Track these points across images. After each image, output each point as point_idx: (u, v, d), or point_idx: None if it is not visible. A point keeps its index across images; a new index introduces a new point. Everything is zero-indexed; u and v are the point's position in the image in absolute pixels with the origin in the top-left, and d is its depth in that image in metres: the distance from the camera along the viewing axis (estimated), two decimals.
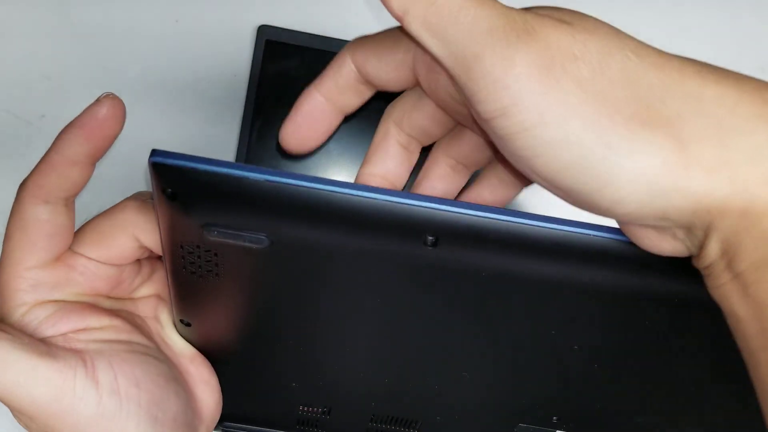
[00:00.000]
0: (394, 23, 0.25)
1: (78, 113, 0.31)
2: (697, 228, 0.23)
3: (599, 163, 0.22)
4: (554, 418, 0.36)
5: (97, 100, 0.29)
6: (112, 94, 0.29)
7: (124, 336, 0.32)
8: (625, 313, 0.30)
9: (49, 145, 0.31)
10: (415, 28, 0.23)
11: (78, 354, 0.30)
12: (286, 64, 0.48)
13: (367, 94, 0.30)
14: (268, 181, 0.25)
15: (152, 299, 0.34)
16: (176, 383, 0.32)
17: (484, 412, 0.37)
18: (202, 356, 0.35)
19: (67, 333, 0.31)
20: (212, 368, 0.35)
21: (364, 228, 0.26)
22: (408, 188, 0.32)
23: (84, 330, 0.31)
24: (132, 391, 0.30)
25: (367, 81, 0.29)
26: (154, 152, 0.25)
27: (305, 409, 0.38)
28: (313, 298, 0.31)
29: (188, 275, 0.30)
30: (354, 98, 0.30)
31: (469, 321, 0.31)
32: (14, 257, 0.30)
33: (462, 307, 0.30)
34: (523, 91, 0.22)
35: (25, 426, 0.30)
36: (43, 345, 0.29)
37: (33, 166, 0.31)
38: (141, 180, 0.50)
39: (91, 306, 0.31)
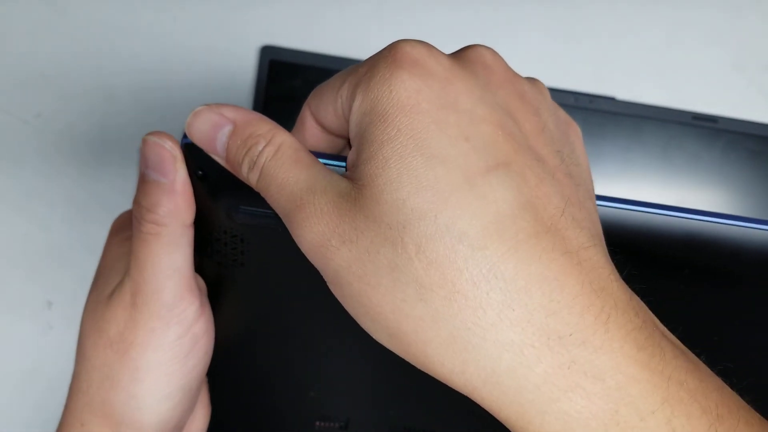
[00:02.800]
0: (399, 38, 0.25)
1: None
2: None
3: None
4: None
5: None
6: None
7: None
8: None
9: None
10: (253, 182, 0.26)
11: (202, 293, 0.31)
12: (290, 84, 0.48)
13: (338, 143, 0.30)
14: None
15: None
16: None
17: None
18: (205, 379, 0.35)
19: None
20: (209, 394, 0.35)
21: None
22: None
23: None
24: (200, 349, 0.31)
25: (329, 131, 0.29)
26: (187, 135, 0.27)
27: (322, 424, 0.38)
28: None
29: (213, 266, 0.30)
30: (327, 149, 0.30)
31: None
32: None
33: None
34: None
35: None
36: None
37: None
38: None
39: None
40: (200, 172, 0.27)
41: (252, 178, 0.26)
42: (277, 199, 0.25)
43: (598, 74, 0.52)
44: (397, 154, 0.22)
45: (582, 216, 0.24)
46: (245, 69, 0.50)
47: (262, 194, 0.26)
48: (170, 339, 0.30)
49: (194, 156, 0.27)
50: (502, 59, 0.26)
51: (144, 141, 0.28)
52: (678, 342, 0.24)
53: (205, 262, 0.31)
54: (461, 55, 0.25)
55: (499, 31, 0.52)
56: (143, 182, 0.29)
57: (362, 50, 0.50)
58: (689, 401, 0.22)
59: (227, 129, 0.26)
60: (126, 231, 0.32)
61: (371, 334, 0.24)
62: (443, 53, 0.24)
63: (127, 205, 0.53)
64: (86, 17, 0.52)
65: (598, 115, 0.49)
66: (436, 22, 0.52)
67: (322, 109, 0.27)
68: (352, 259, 0.23)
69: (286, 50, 0.48)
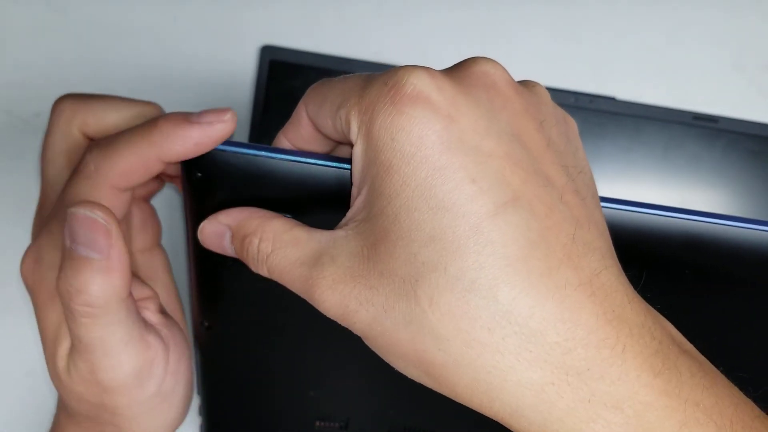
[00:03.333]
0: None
1: None
2: None
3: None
4: None
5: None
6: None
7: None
8: None
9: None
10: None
11: (159, 334, 0.31)
12: (290, 84, 0.48)
13: (332, 143, 0.29)
14: (292, 160, 0.26)
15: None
16: None
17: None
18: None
19: (138, 301, 0.31)
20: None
21: None
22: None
23: (145, 299, 0.31)
24: (181, 372, 0.31)
25: (326, 136, 0.28)
26: None
27: (322, 423, 0.38)
28: None
29: (214, 267, 0.30)
30: (320, 147, 0.29)
31: None
32: None
33: None
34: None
35: (78, 400, 0.30)
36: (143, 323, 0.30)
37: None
38: None
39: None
40: (199, 174, 0.27)
41: (263, 273, 0.26)
42: (292, 286, 0.25)
43: (598, 74, 0.52)
44: (405, 207, 0.22)
45: (592, 235, 0.24)
46: (245, 69, 0.50)
47: (281, 283, 0.26)
48: (149, 392, 0.30)
49: (191, 159, 0.27)
50: (504, 70, 0.25)
51: (71, 214, 0.26)
52: (694, 352, 0.25)
53: (205, 262, 0.31)
54: (463, 76, 0.25)
55: (498, 31, 0.52)
56: (70, 258, 0.26)
57: (363, 50, 0.50)
58: (705, 421, 0.22)
59: (228, 235, 0.27)
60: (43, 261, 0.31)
61: (407, 376, 0.25)
62: (444, 78, 0.24)
63: None
64: (86, 17, 0.52)
65: (598, 115, 0.49)
66: (437, 21, 0.52)
67: (321, 119, 0.27)
68: (370, 318, 0.23)
69: (286, 50, 0.48)
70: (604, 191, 0.45)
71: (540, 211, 0.23)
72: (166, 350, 0.31)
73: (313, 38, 0.50)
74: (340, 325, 0.32)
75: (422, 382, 0.25)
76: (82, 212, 0.26)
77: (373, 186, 0.23)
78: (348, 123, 0.24)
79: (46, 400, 0.49)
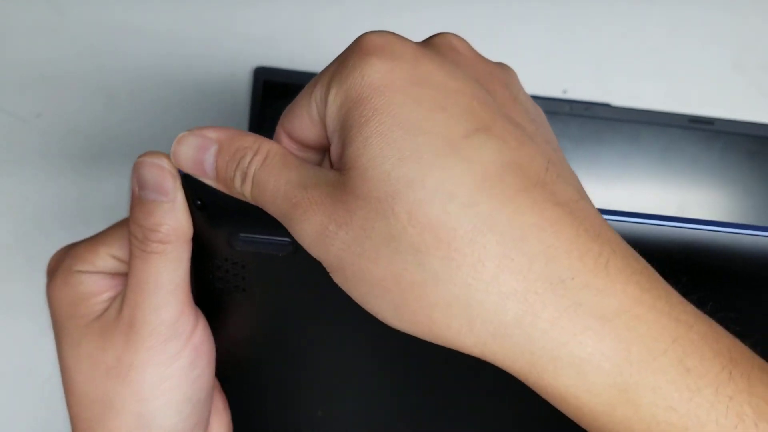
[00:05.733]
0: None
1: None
2: None
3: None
4: None
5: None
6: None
7: None
8: None
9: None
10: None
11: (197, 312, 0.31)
12: (285, 103, 0.48)
13: (315, 159, 0.30)
14: None
15: None
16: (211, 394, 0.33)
17: None
18: (219, 384, 0.35)
19: None
20: (226, 400, 0.35)
21: None
22: None
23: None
24: (202, 358, 0.31)
25: (306, 145, 0.29)
26: None
27: None
28: (338, 312, 0.31)
29: (216, 292, 0.30)
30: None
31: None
32: None
33: None
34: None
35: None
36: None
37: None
38: None
39: None
40: (199, 202, 0.27)
41: (246, 190, 0.26)
42: (273, 204, 0.25)
43: (598, 73, 0.52)
44: (376, 132, 0.23)
45: (566, 174, 0.24)
46: (239, 90, 0.51)
47: (258, 203, 0.26)
48: (170, 353, 0.30)
49: (192, 186, 0.27)
50: (470, 44, 0.27)
51: (139, 163, 0.28)
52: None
53: (206, 287, 0.31)
54: (428, 41, 0.26)
55: (498, 31, 0.52)
56: (141, 203, 0.29)
57: None
58: (700, 343, 0.22)
59: (213, 149, 0.27)
60: (63, 267, 0.31)
61: (378, 315, 0.24)
62: (408, 39, 0.25)
63: (127, 203, 0.53)
64: (86, 17, 0.52)
65: (595, 123, 0.49)
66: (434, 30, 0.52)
67: (296, 122, 0.27)
68: (349, 239, 0.23)
69: (279, 70, 0.49)
70: (602, 198, 0.45)
71: (512, 143, 0.23)
72: (196, 318, 0.31)
73: (307, 58, 0.51)
74: (345, 343, 0.32)
75: (394, 319, 0.24)
76: (149, 160, 0.28)
77: (344, 121, 0.24)
78: (323, 95, 0.25)
79: (46, 400, 0.49)
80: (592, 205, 0.24)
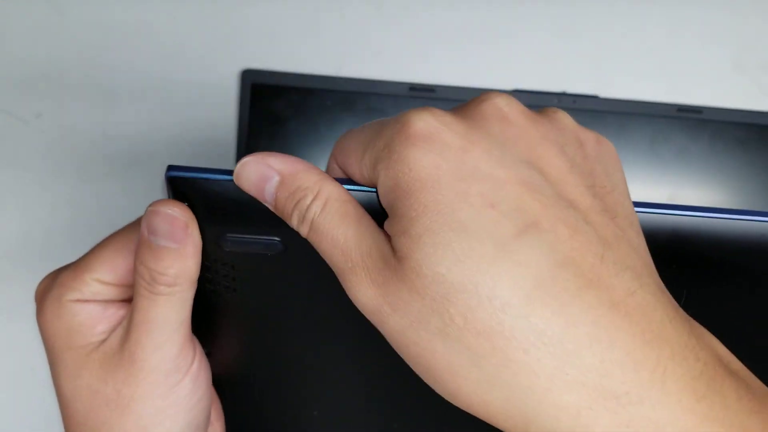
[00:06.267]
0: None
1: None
2: None
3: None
4: None
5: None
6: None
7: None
8: None
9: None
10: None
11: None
12: (273, 106, 0.49)
13: None
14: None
15: None
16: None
17: None
18: (215, 393, 0.35)
19: None
20: (221, 407, 0.36)
21: None
22: None
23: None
24: (201, 384, 0.31)
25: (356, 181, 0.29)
26: (171, 167, 0.27)
27: None
28: (331, 310, 0.31)
29: (208, 295, 0.31)
30: None
31: None
32: None
33: None
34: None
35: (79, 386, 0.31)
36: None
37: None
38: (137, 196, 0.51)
39: None
40: (186, 203, 0.28)
41: (303, 231, 0.26)
42: (329, 256, 0.25)
43: (597, 74, 0.52)
44: (428, 230, 0.23)
45: (624, 253, 0.24)
46: (227, 93, 0.51)
47: (315, 247, 0.26)
48: (170, 385, 0.30)
49: (179, 189, 0.27)
50: (517, 103, 0.25)
51: (151, 212, 0.28)
52: (744, 372, 0.24)
53: (198, 289, 0.31)
54: (473, 112, 0.25)
55: (499, 31, 0.52)
56: (150, 247, 0.28)
57: (342, 66, 0.50)
58: None
59: (275, 181, 0.26)
60: (52, 296, 0.31)
61: (435, 390, 0.25)
62: (454, 117, 0.24)
63: (127, 204, 0.53)
64: (86, 17, 0.52)
65: (582, 115, 0.49)
66: (423, 32, 0.52)
67: (349, 169, 0.27)
68: (405, 325, 0.23)
69: (267, 73, 0.49)
70: None
71: (564, 234, 0.23)
72: (195, 349, 0.31)
73: (291, 58, 0.51)
74: (338, 343, 0.32)
75: (451, 398, 0.24)
76: (162, 209, 0.28)
77: (395, 208, 0.24)
78: (370, 168, 0.25)
79: (46, 400, 0.50)
80: (653, 288, 0.23)
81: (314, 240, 0.26)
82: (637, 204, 0.27)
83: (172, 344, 0.30)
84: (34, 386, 0.50)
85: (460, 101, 0.40)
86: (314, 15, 0.52)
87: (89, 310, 0.31)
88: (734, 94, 0.52)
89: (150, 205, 0.28)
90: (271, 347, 0.34)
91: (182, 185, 0.27)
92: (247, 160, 0.27)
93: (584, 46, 0.52)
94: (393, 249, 0.24)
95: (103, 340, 0.31)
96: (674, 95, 0.51)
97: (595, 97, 0.49)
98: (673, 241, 0.28)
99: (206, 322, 0.32)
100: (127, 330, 0.30)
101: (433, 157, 0.23)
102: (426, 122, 0.24)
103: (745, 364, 0.25)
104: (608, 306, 0.22)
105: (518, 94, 0.49)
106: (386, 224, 0.25)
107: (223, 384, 0.35)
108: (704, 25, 0.53)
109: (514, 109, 0.25)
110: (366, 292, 0.24)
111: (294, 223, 0.26)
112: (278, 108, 0.48)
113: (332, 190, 0.26)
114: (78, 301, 0.30)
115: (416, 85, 0.49)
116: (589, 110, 0.49)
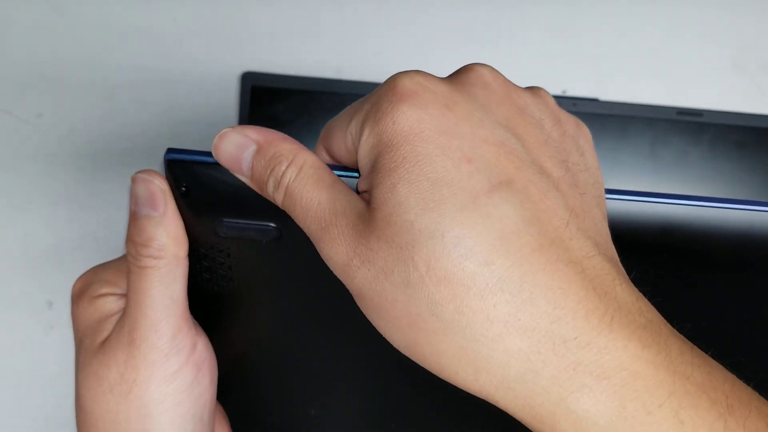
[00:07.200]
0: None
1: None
2: None
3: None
4: None
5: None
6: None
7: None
8: None
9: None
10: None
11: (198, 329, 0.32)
12: (273, 108, 0.49)
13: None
14: None
15: None
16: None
17: None
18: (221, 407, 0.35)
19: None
20: (226, 416, 0.36)
21: None
22: None
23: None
24: (205, 375, 0.32)
25: (340, 163, 0.30)
26: (170, 150, 0.27)
27: None
28: (328, 301, 0.31)
29: (205, 284, 0.31)
30: None
31: None
32: None
33: None
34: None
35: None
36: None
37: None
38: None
39: None
40: (183, 188, 0.28)
41: (278, 198, 0.27)
42: (303, 220, 0.26)
43: (597, 74, 0.52)
44: (403, 179, 0.24)
45: (587, 225, 0.25)
46: (227, 96, 0.51)
47: (289, 213, 0.27)
48: (172, 370, 0.30)
49: (177, 172, 0.28)
50: (501, 75, 0.27)
51: (133, 179, 0.29)
52: (686, 340, 0.25)
53: (194, 280, 0.31)
54: (459, 78, 0.26)
55: (499, 32, 0.52)
56: (135, 219, 0.30)
57: (340, 68, 0.51)
58: (697, 393, 0.22)
59: (251, 149, 0.27)
60: (89, 291, 0.32)
61: (392, 343, 0.25)
62: (441, 79, 0.26)
63: (127, 204, 0.52)
64: (86, 17, 0.52)
65: (582, 118, 0.48)
66: (423, 33, 0.52)
67: (334, 146, 0.28)
68: (371, 277, 0.24)
69: (267, 75, 0.49)
70: None
71: (534, 195, 0.24)
72: (196, 336, 0.32)
73: (291, 60, 0.51)
74: (337, 331, 0.32)
75: (405, 353, 0.25)
76: (141, 176, 0.29)
77: (375, 163, 0.25)
78: (357, 132, 0.26)
79: (47, 400, 0.50)
80: (609, 258, 0.24)
81: (289, 206, 0.26)
82: (620, 192, 0.28)
83: (167, 323, 0.30)
84: (34, 386, 0.51)
85: None
86: (314, 17, 0.52)
87: (119, 300, 0.32)
88: (734, 95, 0.52)
89: (133, 175, 0.29)
90: (267, 341, 0.34)
91: (180, 168, 0.28)
92: (226, 130, 0.28)
93: (584, 46, 0.52)
94: (367, 204, 0.25)
95: (113, 329, 0.31)
96: (674, 95, 0.51)
97: (595, 100, 0.49)
98: (653, 230, 0.28)
99: (204, 312, 0.32)
100: (124, 312, 0.31)
101: (417, 111, 0.24)
102: (414, 81, 0.25)
103: (724, 355, 0.25)
104: (566, 262, 0.23)
105: None
106: (362, 181, 0.26)
107: (221, 379, 0.35)
108: (704, 25, 0.53)
109: (498, 79, 0.26)
110: (338, 249, 0.25)
111: (269, 190, 0.27)
112: (278, 111, 0.49)
113: (307, 157, 0.27)
114: (114, 294, 0.32)
115: None
116: (589, 113, 0.49)
